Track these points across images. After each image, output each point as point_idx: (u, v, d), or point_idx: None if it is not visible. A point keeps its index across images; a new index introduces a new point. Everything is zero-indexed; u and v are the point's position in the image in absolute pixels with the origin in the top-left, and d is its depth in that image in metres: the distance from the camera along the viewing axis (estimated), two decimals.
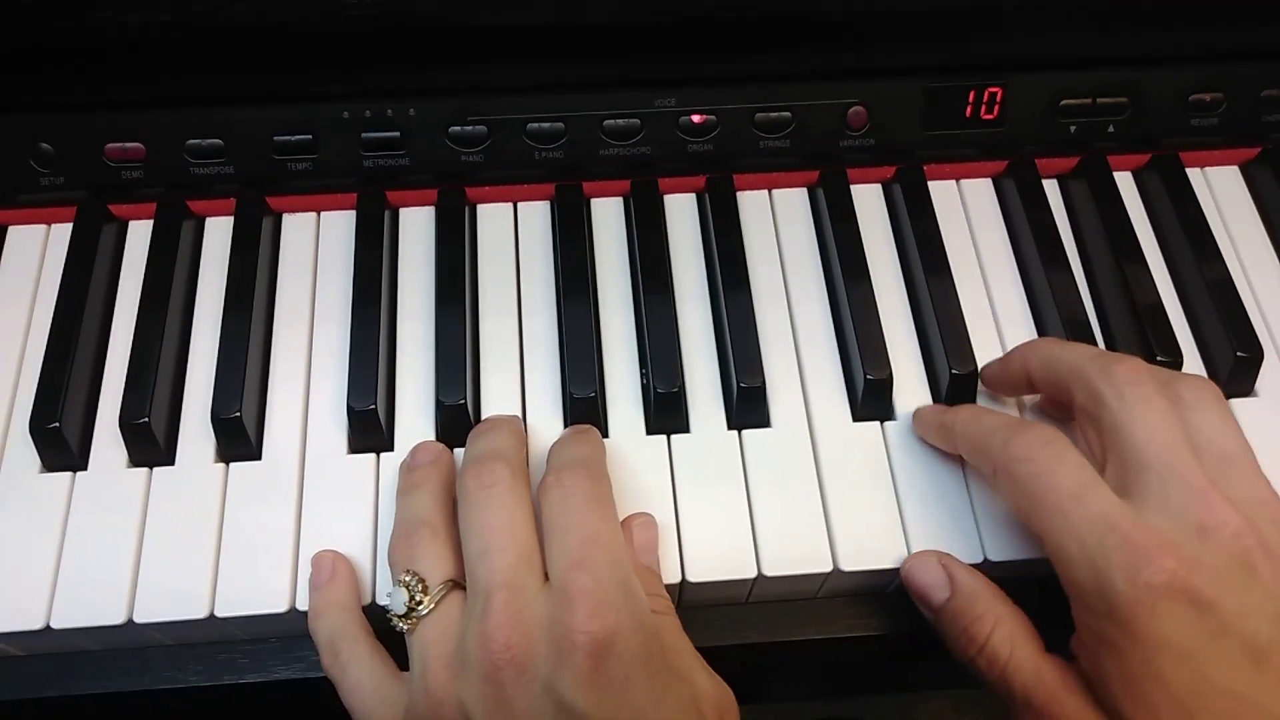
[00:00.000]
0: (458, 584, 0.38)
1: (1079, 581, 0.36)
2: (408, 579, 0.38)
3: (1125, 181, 0.55)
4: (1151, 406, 0.38)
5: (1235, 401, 0.48)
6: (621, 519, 0.44)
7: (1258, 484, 0.37)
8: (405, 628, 0.37)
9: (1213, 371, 0.49)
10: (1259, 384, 0.49)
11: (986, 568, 0.44)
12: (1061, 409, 0.44)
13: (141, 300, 0.50)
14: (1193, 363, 0.50)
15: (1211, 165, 0.56)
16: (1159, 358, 0.48)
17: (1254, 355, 0.48)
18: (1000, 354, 0.49)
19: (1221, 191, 0.55)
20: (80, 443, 0.47)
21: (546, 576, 0.37)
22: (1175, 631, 0.33)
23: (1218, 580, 0.34)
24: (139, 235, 0.53)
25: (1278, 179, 0.54)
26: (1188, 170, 0.55)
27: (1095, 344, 0.49)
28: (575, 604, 0.34)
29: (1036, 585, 0.41)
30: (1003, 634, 0.39)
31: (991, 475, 0.40)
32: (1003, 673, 0.39)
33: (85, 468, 0.46)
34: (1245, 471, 0.37)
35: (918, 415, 0.46)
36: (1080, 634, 0.37)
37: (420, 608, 0.37)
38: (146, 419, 0.45)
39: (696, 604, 0.46)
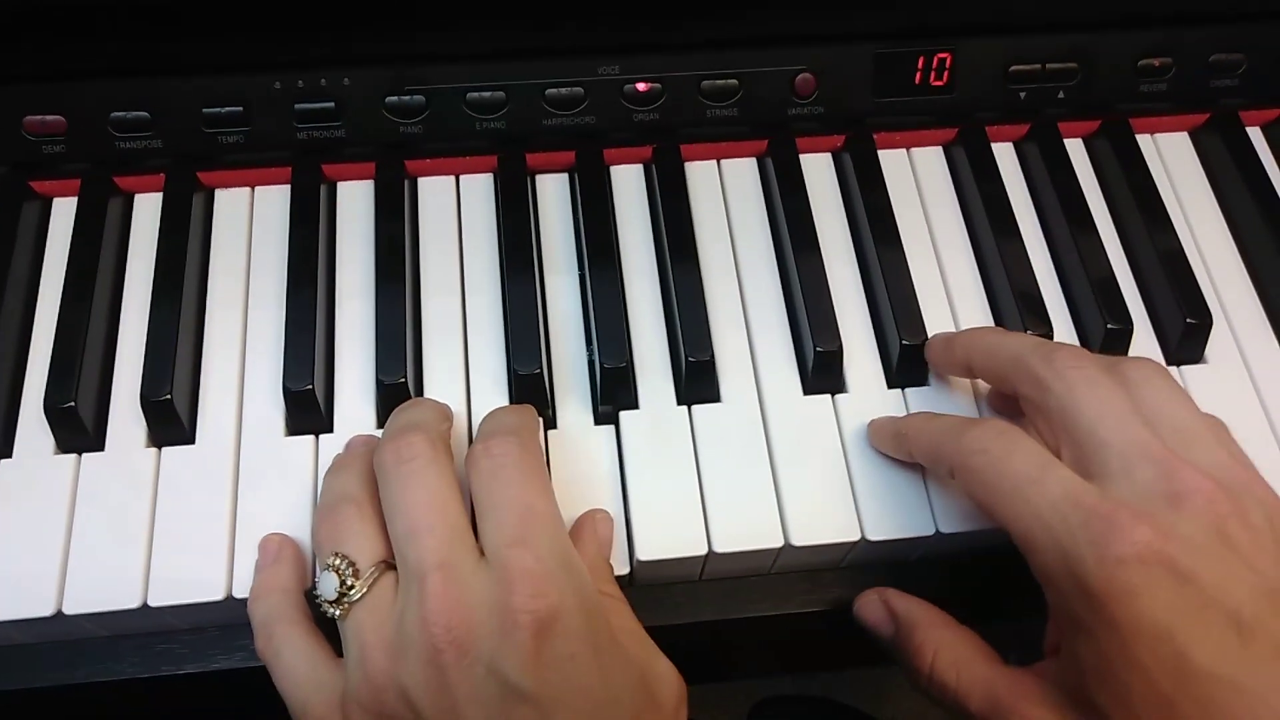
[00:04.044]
0: (389, 565, 0.37)
1: (1049, 566, 0.34)
2: (336, 562, 0.37)
3: (1076, 148, 0.55)
4: (1097, 386, 0.37)
5: (1186, 369, 0.48)
6: (572, 501, 0.43)
7: (1219, 452, 0.35)
8: (337, 613, 0.36)
9: (1163, 338, 0.49)
10: (1209, 351, 0.49)
11: (938, 540, 0.43)
12: (1009, 403, 0.43)
13: (66, 280, 0.48)
14: (1143, 330, 0.49)
15: (1161, 131, 0.56)
16: (1110, 325, 0.48)
17: (1203, 322, 0.48)
18: (951, 324, 0.49)
19: (1171, 157, 0.55)
20: (4, 429, 0.45)
21: (481, 551, 0.36)
22: (1153, 608, 0.32)
23: (1194, 550, 0.32)
24: (63, 213, 0.51)
25: (1226, 144, 0.54)
26: (1138, 137, 0.55)
27: (1045, 312, 0.48)
28: (516, 583, 0.34)
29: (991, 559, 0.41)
30: (945, 661, 0.39)
31: (949, 475, 0.39)
32: (954, 698, 0.38)
33: (10, 455, 0.45)
34: (1204, 441, 0.36)
35: (872, 426, 0.45)
36: (1055, 624, 0.36)
37: (352, 592, 0.36)
38: (73, 403, 0.44)
39: (649, 583, 0.45)
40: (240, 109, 0.50)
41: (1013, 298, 0.49)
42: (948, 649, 0.39)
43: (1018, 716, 0.36)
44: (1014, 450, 0.36)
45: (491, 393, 0.47)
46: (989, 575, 0.44)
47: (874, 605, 0.43)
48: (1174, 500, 0.33)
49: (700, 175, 0.53)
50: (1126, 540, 0.32)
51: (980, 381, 0.47)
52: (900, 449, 0.43)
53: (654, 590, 0.45)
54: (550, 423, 0.46)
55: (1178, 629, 0.31)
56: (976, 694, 0.38)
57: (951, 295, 0.50)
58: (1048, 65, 0.53)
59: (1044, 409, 0.38)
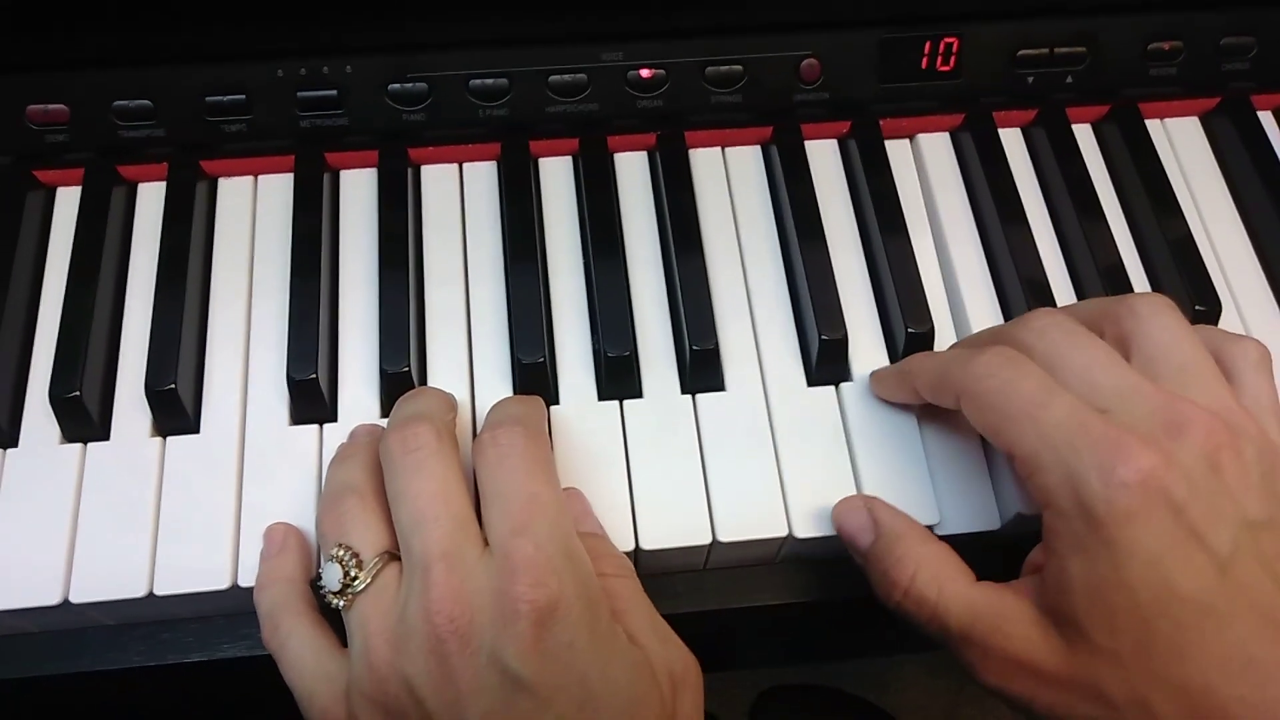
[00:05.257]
0: (393, 555, 0.37)
1: (1052, 488, 0.34)
2: (340, 553, 0.37)
3: (1084, 134, 0.55)
4: (1075, 334, 0.37)
5: None
6: (576, 478, 0.43)
7: (1220, 390, 0.36)
8: (341, 604, 0.36)
9: None
10: None
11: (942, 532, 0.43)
12: None
13: (71, 270, 0.48)
14: None
15: (1171, 116, 0.55)
16: None
17: (1212, 309, 0.48)
18: (958, 312, 0.49)
19: (1181, 143, 0.55)
20: (10, 418, 0.45)
21: (485, 540, 0.36)
22: (1147, 534, 0.32)
23: (1189, 481, 0.33)
24: (67, 202, 0.51)
25: (1237, 129, 0.54)
26: (1147, 121, 0.54)
27: (1052, 299, 0.48)
28: (517, 572, 0.34)
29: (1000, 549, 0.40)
30: (927, 575, 0.38)
31: (955, 402, 0.39)
32: (933, 613, 0.38)
33: (15, 444, 0.45)
34: (1205, 379, 0.36)
35: (874, 375, 0.46)
36: (1048, 541, 0.36)
37: (356, 583, 0.36)
38: (78, 393, 0.44)
39: (653, 571, 0.45)
40: (242, 97, 0.50)
41: (1020, 285, 0.48)
42: (930, 563, 0.39)
43: (1000, 633, 0.36)
44: (1022, 375, 0.36)
45: (495, 381, 0.46)
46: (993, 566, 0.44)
47: (856, 511, 0.42)
48: (1172, 430, 0.34)
49: (704, 162, 0.53)
50: (1133, 465, 0.33)
51: None
52: (904, 386, 0.43)
53: (658, 578, 0.45)
54: (553, 398, 0.46)
55: (1166, 555, 0.33)
56: (957, 610, 0.37)
57: (958, 283, 0.50)
58: (1056, 49, 0.52)
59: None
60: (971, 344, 0.43)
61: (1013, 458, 0.36)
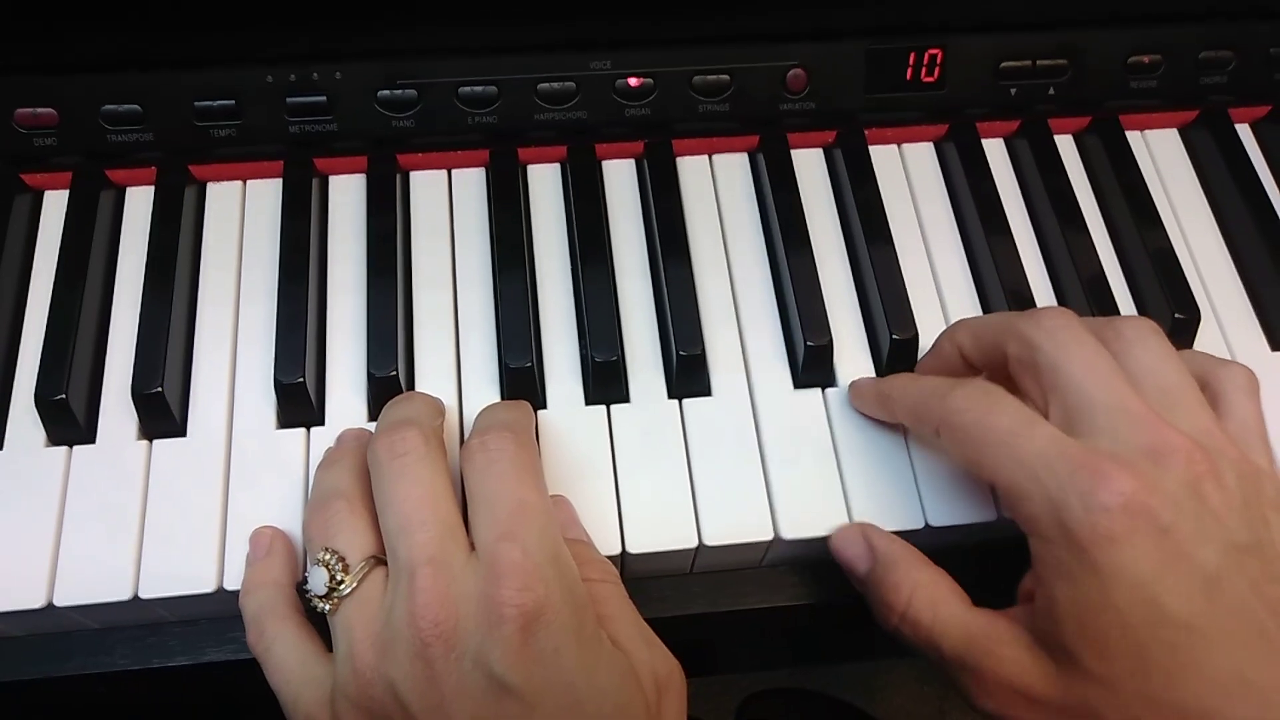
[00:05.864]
0: (379, 560, 0.37)
1: (1035, 515, 0.35)
2: (326, 557, 0.37)
3: (1066, 145, 0.55)
4: (1084, 344, 0.37)
5: None
6: (563, 482, 0.43)
7: (1201, 414, 0.36)
8: (326, 608, 0.36)
9: None
10: (1197, 344, 0.49)
11: (928, 533, 0.43)
12: (1002, 377, 0.43)
13: (58, 273, 0.48)
14: None
15: (1151, 128, 0.56)
16: None
17: (1191, 317, 0.48)
18: (941, 318, 0.49)
19: (1161, 154, 0.55)
20: None
21: (472, 545, 0.36)
22: (1133, 557, 0.33)
23: (1173, 504, 0.33)
24: (55, 206, 0.51)
25: (1215, 141, 0.55)
26: (1128, 133, 0.55)
27: (1035, 308, 0.49)
28: (503, 577, 0.34)
29: (975, 552, 0.41)
30: (922, 600, 0.39)
31: (934, 435, 0.40)
32: (929, 637, 0.38)
33: (0, 447, 0.45)
34: (1188, 403, 0.37)
35: (854, 388, 0.46)
36: (1035, 569, 0.36)
37: (342, 587, 0.36)
38: (64, 396, 0.44)
39: (639, 575, 0.45)
40: (232, 102, 0.50)
41: (1003, 293, 0.49)
42: (925, 588, 0.39)
43: (994, 657, 0.36)
44: (999, 406, 0.37)
45: (483, 387, 0.47)
46: (977, 569, 0.44)
47: (853, 539, 0.42)
48: (1155, 456, 0.34)
49: (692, 170, 0.53)
50: (1114, 490, 0.33)
51: None
52: (883, 409, 0.44)
53: (644, 582, 0.45)
54: (541, 403, 0.46)
55: (1154, 578, 0.33)
56: (952, 634, 0.38)
57: (942, 291, 0.50)
58: (1038, 62, 0.53)
59: (1034, 368, 0.38)
60: (980, 327, 0.42)
61: (995, 488, 0.36)
